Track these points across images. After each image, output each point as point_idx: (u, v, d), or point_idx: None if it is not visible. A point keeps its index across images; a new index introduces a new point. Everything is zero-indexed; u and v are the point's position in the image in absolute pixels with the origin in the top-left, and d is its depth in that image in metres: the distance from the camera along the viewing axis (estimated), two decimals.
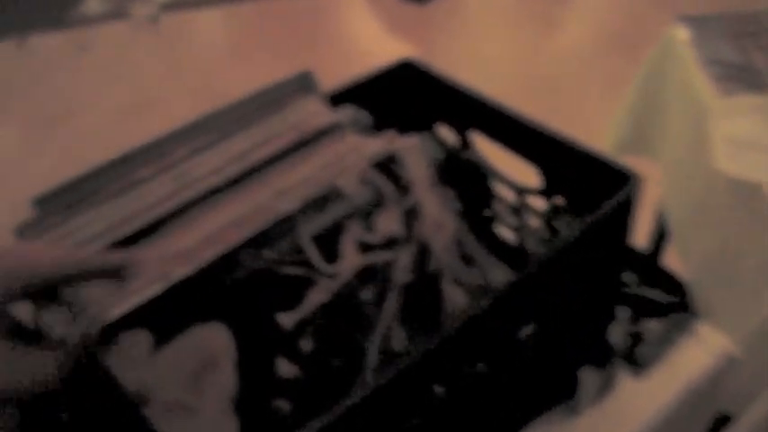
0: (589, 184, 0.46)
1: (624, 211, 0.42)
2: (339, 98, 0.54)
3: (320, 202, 0.43)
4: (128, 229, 0.44)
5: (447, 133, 0.60)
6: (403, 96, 0.58)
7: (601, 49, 1.73)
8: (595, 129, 1.10)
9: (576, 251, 0.40)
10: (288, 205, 0.41)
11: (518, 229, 0.58)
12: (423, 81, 0.57)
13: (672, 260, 0.87)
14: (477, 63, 1.62)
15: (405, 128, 0.52)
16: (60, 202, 0.46)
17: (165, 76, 1.85)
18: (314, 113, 0.50)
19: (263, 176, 0.45)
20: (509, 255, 0.59)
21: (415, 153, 0.45)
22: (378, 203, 0.44)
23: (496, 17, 1.91)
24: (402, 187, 0.45)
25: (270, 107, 0.51)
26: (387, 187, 0.44)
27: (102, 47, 2.03)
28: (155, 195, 0.46)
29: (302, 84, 0.53)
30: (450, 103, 0.56)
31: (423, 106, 0.59)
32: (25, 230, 0.46)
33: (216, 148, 0.49)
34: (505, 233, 0.62)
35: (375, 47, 1.86)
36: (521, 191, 0.54)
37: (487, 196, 0.59)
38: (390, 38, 1.93)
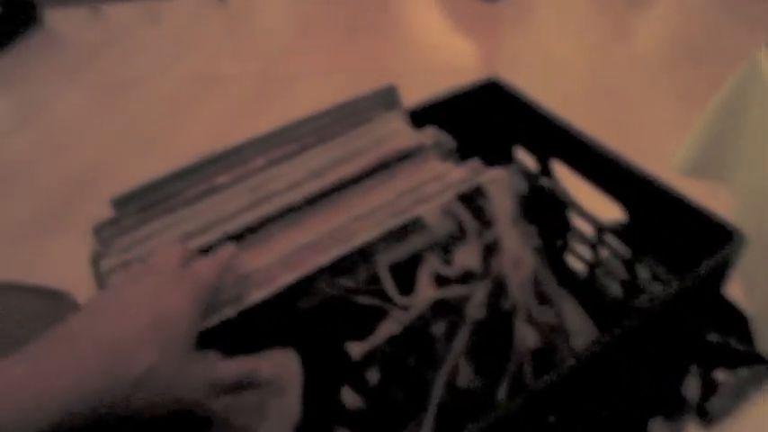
0: (682, 233, 0.43)
1: (722, 270, 0.40)
2: (422, 114, 0.52)
3: (400, 232, 0.41)
4: (202, 242, 0.43)
5: (525, 157, 0.58)
6: (484, 116, 0.56)
7: (671, 59, 1.66)
8: (661, 143, 1.06)
9: (670, 309, 0.37)
10: (367, 233, 0.40)
11: (592, 265, 0.55)
12: (506, 102, 0.55)
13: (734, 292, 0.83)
14: (542, 65, 1.57)
15: (482, 148, 0.50)
16: (137, 204, 0.46)
17: (231, 53, 1.86)
18: (396, 132, 0.49)
19: (341, 197, 0.44)
20: (579, 288, 0.57)
21: (500, 187, 0.43)
22: (458, 236, 0.43)
23: (567, 19, 1.85)
24: (484, 221, 0.43)
25: (351, 121, 0.50)
26: (469, 221, 0.42)
27: (171, 20, 2.06)
28: (231, 206, 0.45)
29: (386, 98, 0.51)
30: (533, 127, 0.54)
31: (503, 127, 0.57)
32: (102, 230, 0.46)
33: (294, 160, 0.48)
34: (575, 262, 0.60)
35: (440, 40, 1.82)
36: (601, 228, 0.52)
37: (563, 226, 0.57)
38: (456, 33, 1.90)
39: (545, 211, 0.57)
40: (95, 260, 0.45)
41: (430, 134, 0.48)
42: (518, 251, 0.44)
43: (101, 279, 0.44)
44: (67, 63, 1.90)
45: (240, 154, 0.48)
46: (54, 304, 0.38)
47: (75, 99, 1.72)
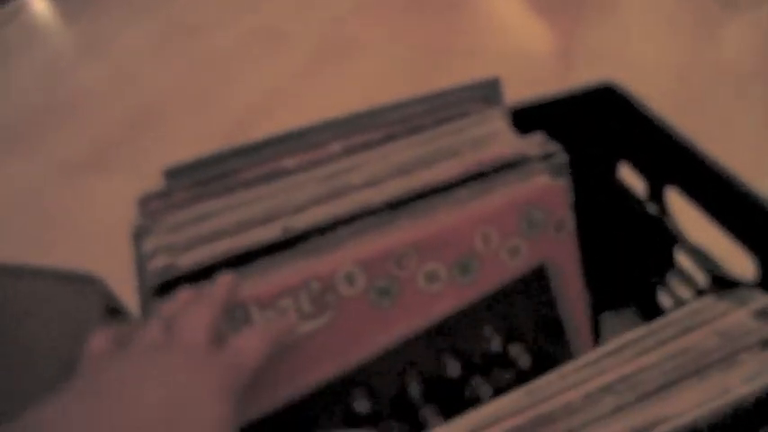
0: None
1: None
2: (524, 116, 0.45)
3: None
4: (260, 237, 0.37)
5: (630, 176, 0.50)
6: (592, 125, 0.49)
7: (765, 67, 1.53)
8: (747, 159, 0.96)
9: None
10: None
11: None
12: (620, 111, 0.48)
13: None
14: (621, 65, 1.47)
15: (582, 161, 0.43)
16: (192, 178, 0.40)
17: (296, 12, 1.80)
18: (496, 133, 0.42)
19: (430, 206, 0.37)
20: None
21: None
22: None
23: (654, 17, 1.74)
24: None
25: (445, 113, 0.43)
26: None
27: None
28: (298, 196, 0.39)
29: (487, 92, 0.44)
30: (649, 145, 0.46)
31: (611, 140, 0.49)
32: (148, 202, 0.40)
33: (376, 151, 0.41)
34: (665, 300, 0.53)
35: (514, 24, 1.73)
36: (723, 281, 0.44)
37: (665, 262, 0.49)
38: (532, 20, 1.80)
39: (646, 242, 0.49)
40: (138, 236, 0.39)
41: (537, 141, 0.41)
42: None
43: (141, 261, 0.38)
44: (137, 1, 1.88)
45: (313, 136, 0.42)
46: (83, 294, 0.33)
47: (140, 39, 1.70)
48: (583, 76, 1.40)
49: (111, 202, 1.16)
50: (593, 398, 0.26)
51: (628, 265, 0.53)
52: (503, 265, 0.37)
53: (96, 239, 1.05)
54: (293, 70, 1.53)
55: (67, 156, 1.30)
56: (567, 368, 0.28)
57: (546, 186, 0.37)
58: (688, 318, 0.29)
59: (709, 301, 0.30)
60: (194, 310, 0.30)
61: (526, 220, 0.37)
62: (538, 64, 1.53)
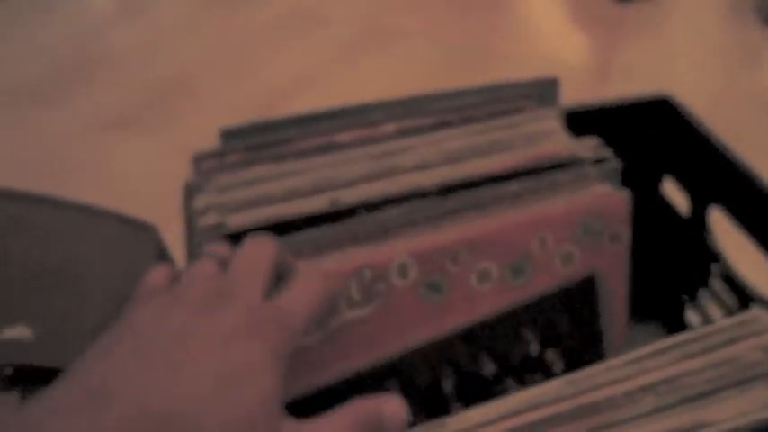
0: None
1: None
2: (577, 119, 0.45)
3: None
4: (308, 206, 0.37)
5: (672, 190, 0.51)
6: (643, 135, 0.49)
7: None
8: None
9: None
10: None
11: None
12: (673, 124, 0.48)
13: None
14: (661, 81, 1.46)
15: (629, 170, 0.43)
16: (246, 141, 0.41)
17: None
18: (549, 132, 0.42)
19: (483, 203, 0.37)
20: None
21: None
22: None
23: (697, 37, 1.72)
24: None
25: (499, 107, 0.43)
26: None
27: None
28: (349, 171, 0.39)
29: (543, 91, 0.44)
30: (697, 161, 0.46)
31: (658, 153, 0.49)
32: (202, 161, 0.41)
33: (429, 136, 0.42)
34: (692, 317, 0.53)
35: (554, 32, 1.73)
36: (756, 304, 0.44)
37: (699, 280, 0.49)
38: (572, 28, 1.79)
39: (683, 258, 0.50)
40: (189, 191, 0.40)
41: (590, 145, 0.41)
42: None
43: (191, 216, 0.39)
44: None
45: (369, 114, 0.42)
46: (140, 238, 0.33)
47: (180, 7, 1.71)
48: (619, 90, 1.39)
49: (135, 163, 1.17)
50: (633, 396, 0.26)
51: (660, 279, 0.54)
52: (555, 271, 0.37)
53: (118, 198, 1.07)
54: (328, 55, 1.53)
55: (96, 114, 1.31)
56: (610, 363, 0.28)
57: (608, 195, 0.37)
58: (735, 328, 0.29)
59: (757, 312, 0.30)
60: (252, 250, 0.29)
61: (584, 227, 0.37)
62: (573, 74, 1.53)
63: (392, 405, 0.27)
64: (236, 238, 0.36)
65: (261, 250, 0.29)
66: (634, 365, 0.27)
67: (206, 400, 0.22)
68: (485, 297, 0.35)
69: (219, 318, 0.25)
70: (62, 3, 1.76)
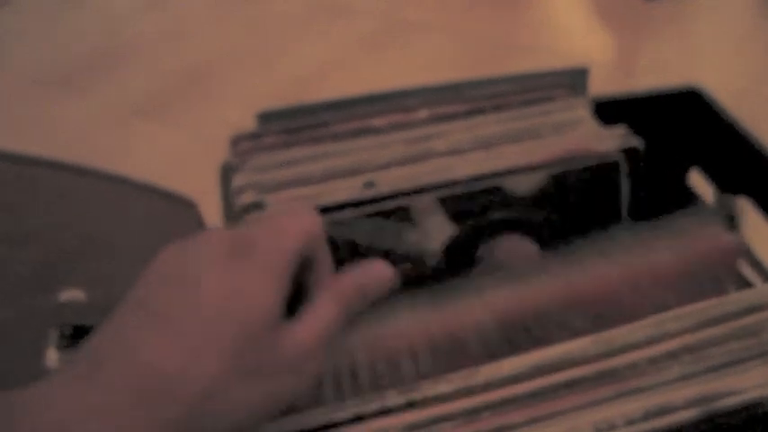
0: None
1: None
2: (607, 108, 0.46)
3: None
4: (343, 188, 0.38)
5: (700, 182, 0.51)
6: (671, 126, 0.49)
7: None
8: None
9: None
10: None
11: None
12: (702, 116, 0.48)
13: None
14: (684, 78, 1.44)
15: (656, 163, 0.43)
16: (283, 124, 0.42)
17: None
18: (579, 121, 0.43)
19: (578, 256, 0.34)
20: None
21: None
22: None
23: (723, 35, 1.70)
24: None
25: (530, 96, 0.44)
26: None
27: None
28: (384, 154, 0.41)
29: (573, 80, 0.45)
30: (725, 154, 0.47)
31: (686, 145, 0.50)
32: (240, 142, 0.42)
33: (461, 122, 0.43)
34: None
35: (576, 27, 1.72)
36: None
37: None
38: (596, 23, 1.78)
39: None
40: (226, 171, 0.42)
41: (619, 134, 0.42)
42: None
43: (229, 195, 0.40)
44: None
45: (402, 100, 0.44)
46: (181, 211, 0.35)
47: None
48: (641, 84, 1.38)
49: (161, 149, 1.19)
50: (658, 363, 0.27)
51: None
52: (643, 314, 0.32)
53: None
54: (350, 46, 1.54)
55: (119, 101, 1.32)
56: (635, 325, 0.28)
57: (721, 240, 0.35)
58: (756, 298, 0.29)
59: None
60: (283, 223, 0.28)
61: (689, 278, 0.33)
62: (596, 69, 1.53)
63: (376, 268, 0.28)
64: None
65: (296, 222, 0.28)
66: (657, 328, 0.28)
67: (194, 349, 0.23)
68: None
69: (199, 258, 0.26)
70: None
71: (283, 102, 0.43)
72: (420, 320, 0.30)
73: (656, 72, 1.46)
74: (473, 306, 0.30)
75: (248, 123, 0.44)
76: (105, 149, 1.19)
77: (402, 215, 0.37)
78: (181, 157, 1.11)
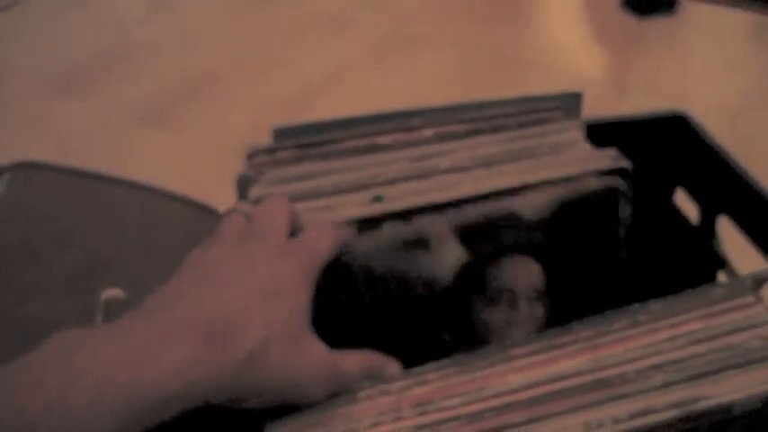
0: None
1: None
2: (597, 131, 0.49)
3: None
4: (352, 201, 0.41)
5: (685, 202, 0.54)
6: (657, 149, 0.53)
7: None
8: None
9: None
10: None
11: None
12: (687, 140, 0.51)
13: None
14: (678, 97, 1.47)
15: (644, 180, 0.46)
16: (297, 140, 0.45)
17: (366, 2, 1.84)
18: (572, 143, 0.46)
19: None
20: None
21: None
22: None
23: (718, 56, 1.73)
24: None
25: (527, 117, 0.47)
26: None
27: None
28: (390, 171, 0.44)
29: (567, 104, 0.49)
30: (709, 173, 0.50)
31: (671, 167, 0.53)
32: (256, 156, 0.45)
33: (464, 141, 0.46)
34: None
35: (571, 44, 1.75)
36: None
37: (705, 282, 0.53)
38: (590, 41, 1.82)
39: (692, 263, 0.53)
40: (243, 184, 0.44)
41: (610, 156, 0.45)
42: None
43: None
44: None
45: (408, 120, 0.47)
46: (201, 219, 0.38)
47: (211, 3, 1.74)
48: (636, 103, 1.42)
49: (164, 155, 1.21)
50: (645, 373, 0.30)
51: (669, 282, 0.57)
52: None
53: None
54: (354, 58, 1.56)
55: (123, 105, 1.33)
56: (631, 345, 0.32)
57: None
58: (740, 320, 0.33)
59: (760, 309, 0.34)
60: (272, 204, 0.35)
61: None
62: (592, 87, 1.56)
63: (393, 365, 0.33)
64: None
65: (278, 205, 0.35)
66: (650, 348, 0.31)
67: (247, 310, 0.28)
68: None
69: (252, 249, 0.31)
70: None
71: (289, 110, 0.46)
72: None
73: (649, 89, 1.49)
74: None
75: (251, 131, 0.46)
76: (107, 153, 1.20)
77: (420, 243, 0.40)
78: (183, 162, 1.13)
